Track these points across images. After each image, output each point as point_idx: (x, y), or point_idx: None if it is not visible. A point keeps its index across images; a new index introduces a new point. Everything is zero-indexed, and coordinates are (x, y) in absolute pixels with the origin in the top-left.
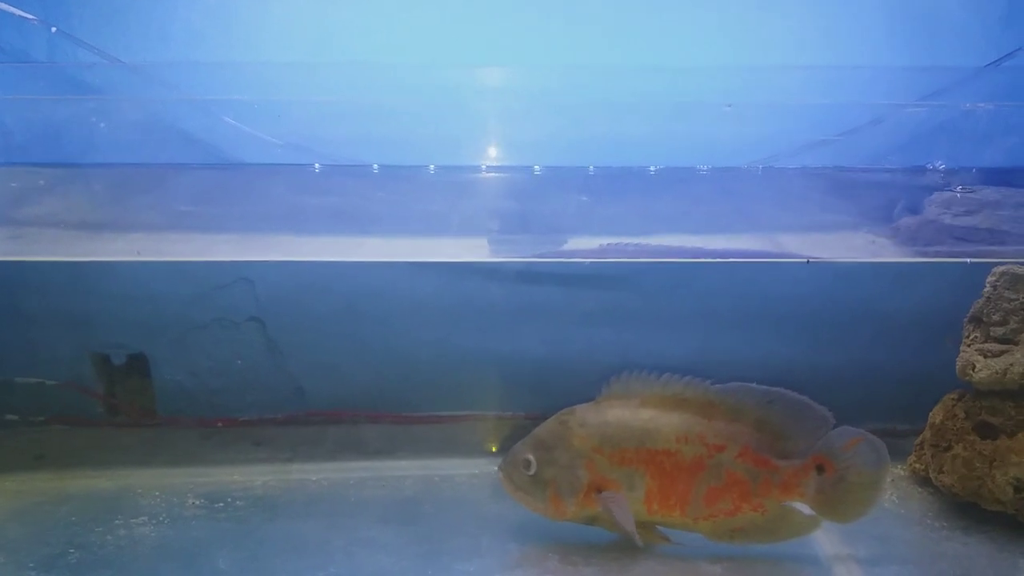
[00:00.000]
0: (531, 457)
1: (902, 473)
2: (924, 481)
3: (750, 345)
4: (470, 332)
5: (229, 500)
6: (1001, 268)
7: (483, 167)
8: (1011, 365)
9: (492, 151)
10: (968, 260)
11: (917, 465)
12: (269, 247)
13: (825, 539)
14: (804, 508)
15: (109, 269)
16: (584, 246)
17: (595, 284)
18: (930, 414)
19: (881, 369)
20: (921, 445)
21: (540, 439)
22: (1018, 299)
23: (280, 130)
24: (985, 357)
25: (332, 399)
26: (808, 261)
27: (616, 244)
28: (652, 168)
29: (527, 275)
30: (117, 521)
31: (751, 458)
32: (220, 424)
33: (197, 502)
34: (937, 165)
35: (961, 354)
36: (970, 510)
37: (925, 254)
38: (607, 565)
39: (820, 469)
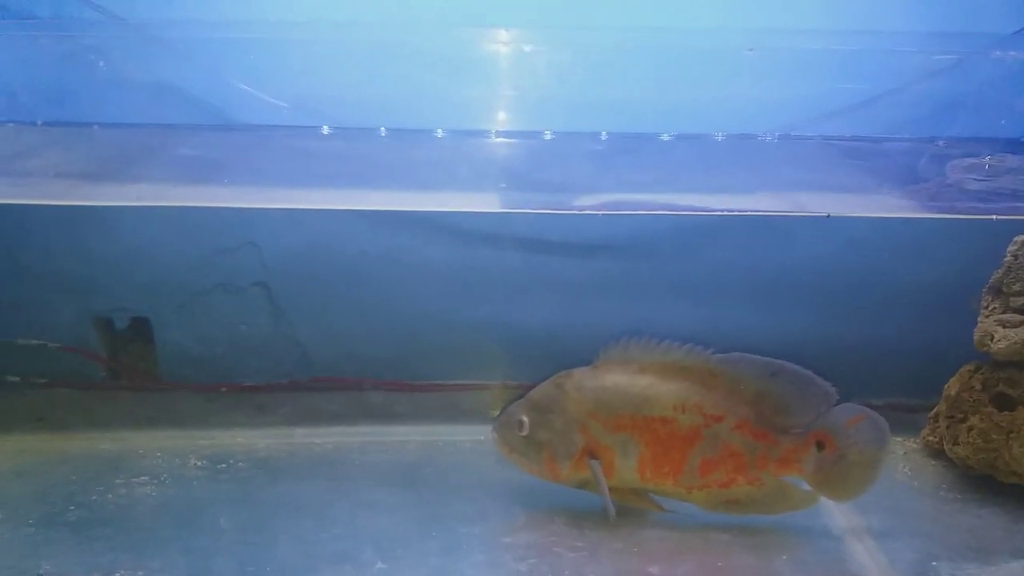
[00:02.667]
0: (525, 418)
1: (915, 446)
2: (938, 454)
3: (763, 315)
4: (478, 300)
5: (231, 462)
6: (1021, 237)
7: (492, 132)
8: None
9: (502, 115)
10: (995, 217)
11: (931, 438)
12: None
13: (837, 510)
14: (803, 483)
15: (112, 230)
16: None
17: (606, 252)
18: (945, 386)
19: (897, 340)
20: (935, 417)
21: (535, 401)
22: None
23: (285, 92)
24: (1004, 327)
25: (337, 365)
26: (828, 216)
27: (622, 201)
28: (665, 135)
29: (537, 243)
30: (118, 481)
31: (749, 431)
32: (224, 389)
33: (199, 463)
34: (960, 135)
35: (979, 324)
36: (985, 482)
37: (949, 210)
38: (614, 530)
39: (820, 446)
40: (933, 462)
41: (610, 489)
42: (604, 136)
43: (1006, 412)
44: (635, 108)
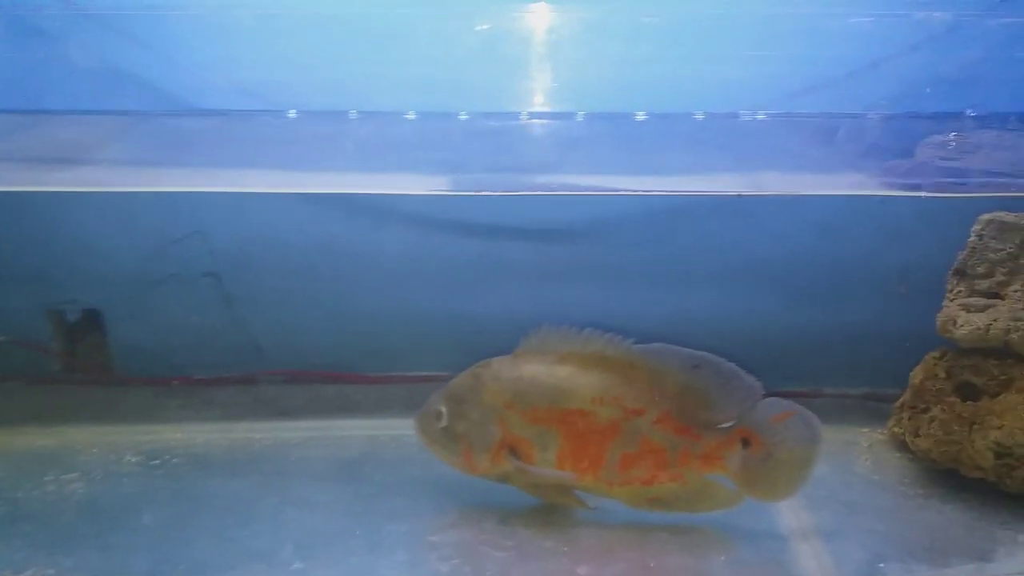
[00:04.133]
0: (443, 409)
1: (881, 438)
2: (903, 446)
3: (728, 303)
4: (433, 290)
5: (167, 458)
6: (987, 216)
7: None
8: (995, 320)
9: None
10: (923, 194)
11: (896, 429)
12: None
13: (787, 506)
14: (729, 482)
15: (63, 220)
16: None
17: (566, 239)
18: (911, 374)
19: (869, 325)
20: (902, 407)
21: (453, 391)
22: (1005, 249)
23: (241, 76)
24: (968, 312)
25: (290, 358)
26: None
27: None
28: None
29: (494, 230)
30: (48, 477)
31: (671, 425)
32: (176, 383)
33: (134, 459)
34: (947, 110)
35: (943, 309)
36: (949, 477)
37: (914, 188)
38: (547, 528)
39: (746, 443)
40: (898, 455)
41: (532, 485)
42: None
43: (969, 402)
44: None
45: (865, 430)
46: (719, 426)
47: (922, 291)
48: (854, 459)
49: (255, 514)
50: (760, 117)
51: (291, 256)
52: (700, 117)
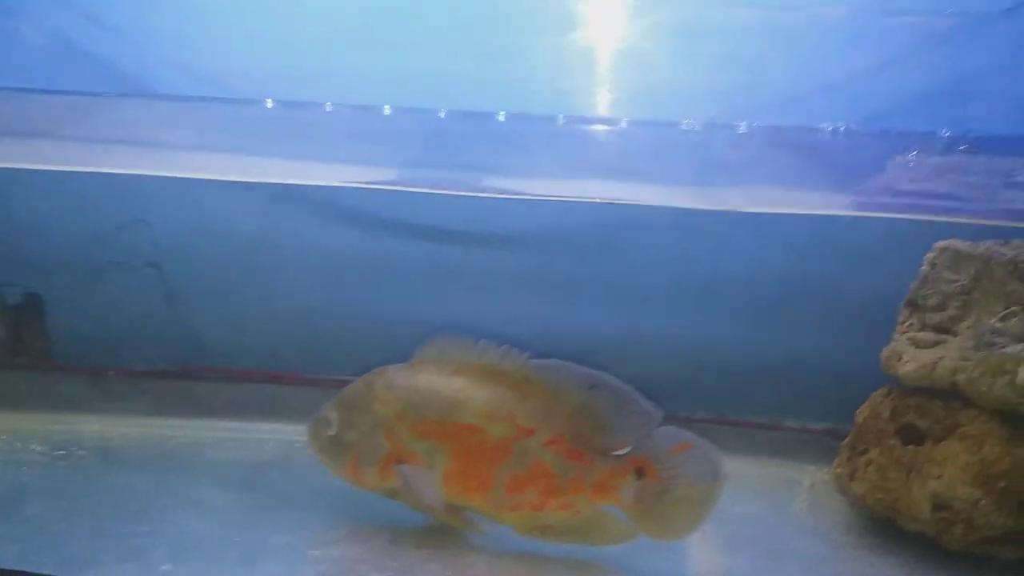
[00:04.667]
0: (333, 416)
1: (826, 478)
2: (845, 489)
3: (683, 321)
4: (381, 292)
5: (73, 449)
6: (942, 244)
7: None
8: (941, 359)
9: None
10: (909, 216)
11: (839, 470)
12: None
13: (702, 546)
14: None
15: (3, 201)
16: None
17: (519, 246)
18: (857, 411)
19: (835, 356)
20: (846, 447)
21: (345, 398)
22: (959, 280)
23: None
24: (916, 347)
25: (232, 355)
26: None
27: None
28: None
29: (445, 234)
30: None
31: (563, 448)
32: (113, 373)
33: (39, 448)
34: (942, 132)
35: (891, 342)
36: (887, 527)
37: (866, 207)
38: (438, 551)
39: (641, 473)
40: (839, 498)
41: (423, 504)
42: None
43: (911, 446)
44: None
45: (811, 468)
46: (614, 453)
47: (880, 318)
48: (791, 499)
49: (143, 513)
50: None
51: (235, 249)
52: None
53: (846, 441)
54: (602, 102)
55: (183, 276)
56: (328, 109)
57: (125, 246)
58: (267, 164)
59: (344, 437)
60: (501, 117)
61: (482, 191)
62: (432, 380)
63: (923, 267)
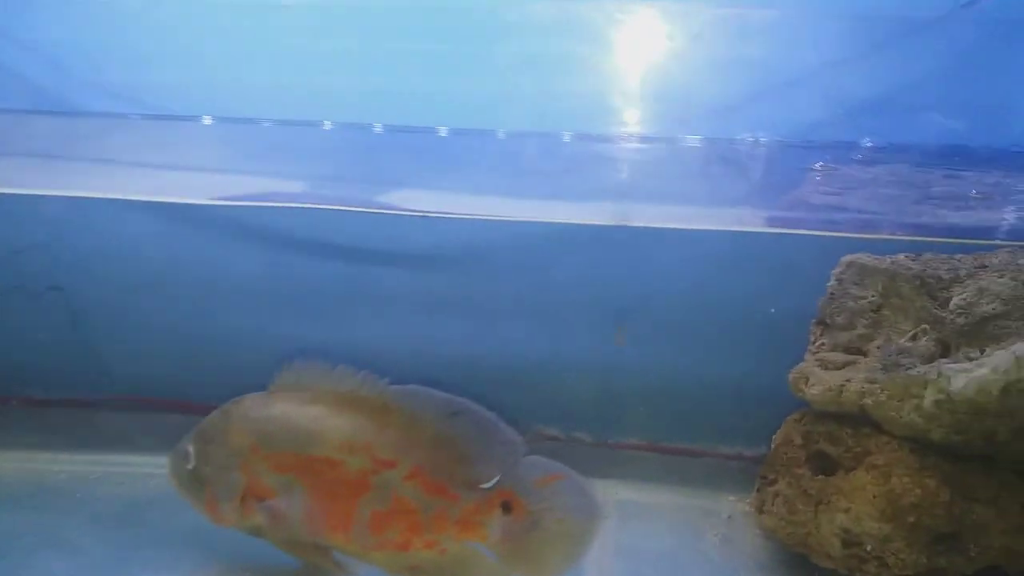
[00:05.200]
0: (190, 449)
1: (747, 509)
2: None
3: (608, 343)
4: (293, 317)
5: None
6: (848, 257)
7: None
8: (848, 381)
9: None
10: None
11: (752, 504)
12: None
13: None
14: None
15: None
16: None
17: (437, 265)
18: (772, 437)
19: (768, 379)
20: (761, 475)
21: (202, 429)
22: (866, 297)
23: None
24: (824, 369)
25: (139, 383)
26: None
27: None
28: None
29: (359, 253)
30: None
31: (424, 482)
32: (15, 402)
33: None
34: (864, 142)
35: (801, 363)
36: (801, 563)
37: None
38: None
39: (507, 508)
40: (755, 531)
41: (287, 542)
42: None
43: (820, 476)
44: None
45: (732, 498)
46: (478, 486)
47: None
48: (704, 532)
49: (2, 553)
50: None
51: (140, 272)
52: (567, 138)
53: (760, 471)
54: None
55: (88, 301)
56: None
57: (27, 269)
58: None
59: (201, 471)
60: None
61: (381, 207)
62: (287, 410)
63: (830, 283)
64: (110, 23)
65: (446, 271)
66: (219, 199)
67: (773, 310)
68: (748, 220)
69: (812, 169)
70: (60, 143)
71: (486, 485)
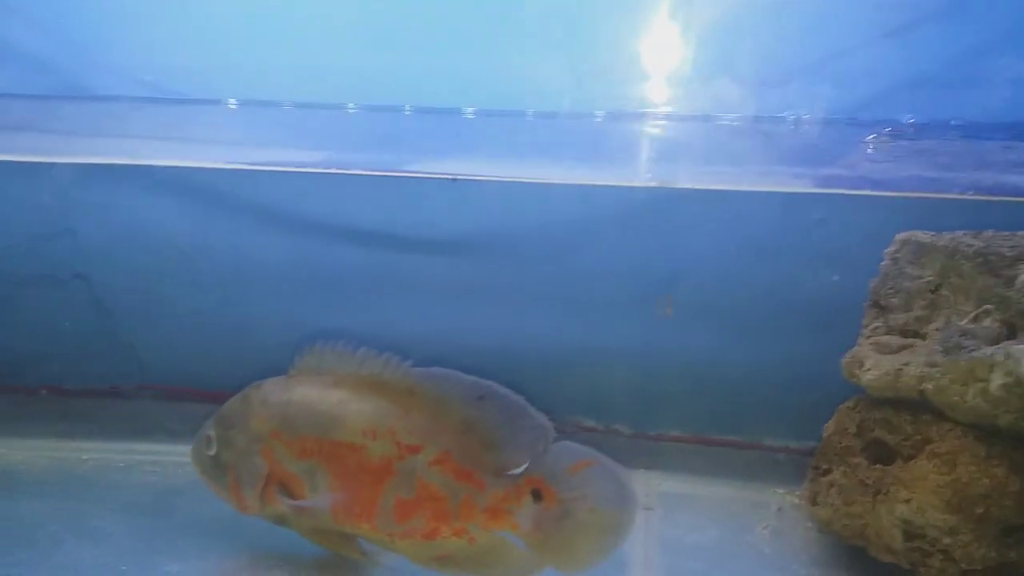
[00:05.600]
0: (212, 434)
1: (796, 501)
2: (810, 515)
3: (647, 331)
4: (320, 305)
5: None
6: (903, 236)
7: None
8: (906, 365)
9: None
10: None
11: (806, 494)
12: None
13: (640, 574)
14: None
15: None
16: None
17: (466, 252)
18: (825, 426)
19: (819, 368)
20: (813, 466)
21: (223, 414)
22: (923, 277)
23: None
24: (880, 353)
25: (170, 372)
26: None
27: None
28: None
29: (388, 239)
30: None
31: (452, 468)
32: (44, 392)
33: None
34: (907, 119)
35: (856, 347)
36: (858, 557)
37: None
38: None
39: (538, 496)
40: (807, 524)
41: (313, 531)
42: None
43: (878, 465)
44: None
45: (781, 491)
46: (507, 473)
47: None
48: (753, 525)
49: (29, 542)
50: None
51: (166, 259)
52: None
53: (813, 461)
54: None
55: (114, 289)
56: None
57: (51, 257)
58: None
59: (223, 457)
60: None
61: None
62: (309, 394)
63: (884, 262)
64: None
65: (476, 257)
66: (242, 164)
67: (836, 278)
68: (801, 182)
69: (863, 141)
70: (79, 122)
71: (515, 472)
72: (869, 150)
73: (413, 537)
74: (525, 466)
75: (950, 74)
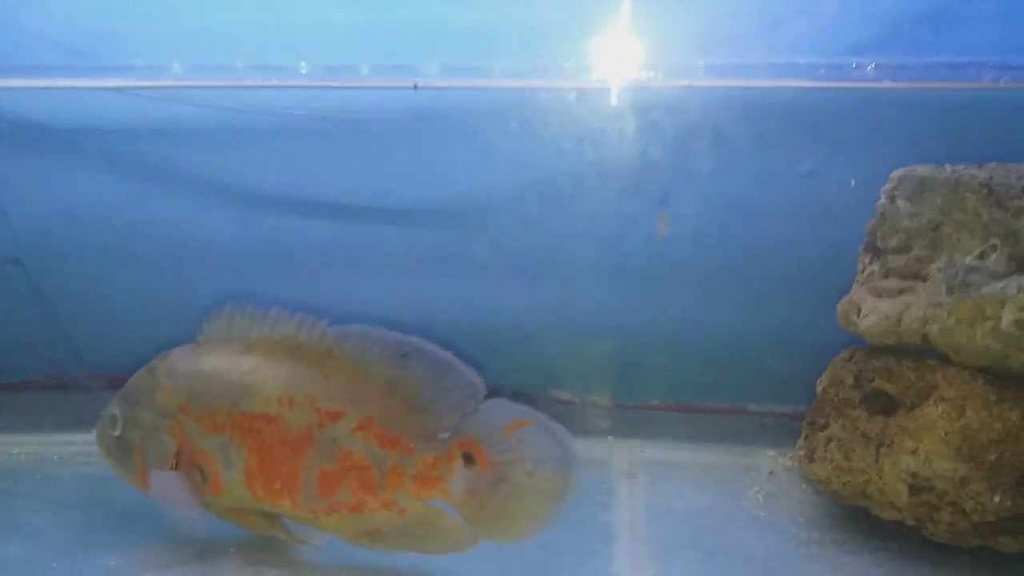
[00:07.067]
0: (116, 412)
1: (789, 464)
2: (806, 474)
3: (621, 300)
4: (277, 277)
5: None
6: (900, 172)
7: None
8: (908, 308)
9: None
10: None
11: (800, 452)
12: None
13: (625, 549)
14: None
15: None
16: None
17: (432, 223)
18: (818, 381)
19: (801, 331)
20: (808, 422)
21: (127, 390)
22: (923, 215)
23: None
24: (877, 297)
25: (108, 360)
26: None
27: None
28: None
29: (350, 210)
30: None
31: (375, 434)
32: None
33: None
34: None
35: (849, 293)
36: (858, 517)
37: None
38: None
39: (470, 460)
40: (802, 486)
41: (229, 510)
42: None
43: (879, 417)
44: None
45: (772, 453)
46: (436, 437)
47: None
48: (744, 489)
49: None
50: None
51: (104, 239)
52: None
53: (807, 417)
54: None
55: (51, 274)
56: None
57: None
58: None
59: (128, 437)
60: None
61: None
62: (218, 362)
63: (880, 201)
64: None
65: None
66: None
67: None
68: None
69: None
70: None
71: (445, 435)
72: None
73: (339, 512)
74: (456, 428)
75: None
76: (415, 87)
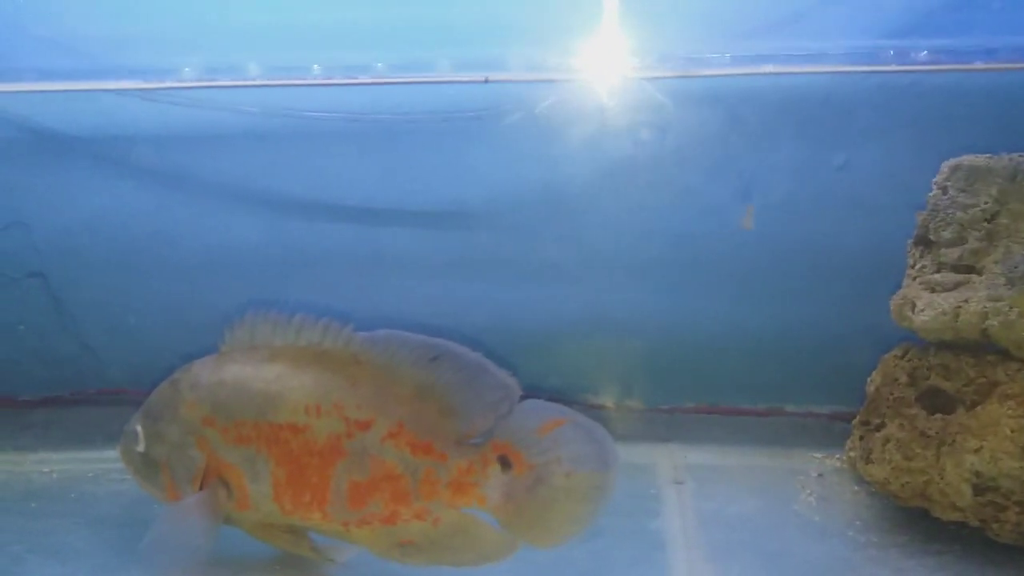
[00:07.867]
0: (139, 429)
1: (838, 465)
2: (861, 477)
3: (651, 300)
4: (304, 285)
5: None
6: (953, 162)
7: None
8: (966, 302)
9: None
10: None
11: (851, 454)
12: None
13: (680, 555)
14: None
15: None
16: None
17: (452, 225)
18: (868, 380)
19: (840, 329)
20: (858, 425)
21: (149, 406)
22: (978, 205)
23: None
24: (932, 292)
25: (133, 374)
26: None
27: None
28: None
29: (369, 214)
30: None
31: (407, 442)
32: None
33: None
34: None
35: (902, 288)
36: (917, 518)
37: None
38: None
39: (506, 464)
40: (854, 488)
41: (258, 527)
42: None
43: (938, 415)
44: None
45: (819, 455)
46: (470, 441)
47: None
48: (795, 493)
49: None
50: None
51: (128, 250)
52: None
53: (858, 417)
54: None
55: (72, 287)
56: None
57: (3, 255)
58: None
59: (153, 453)
60: None
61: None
62: (242, 372)
63: (932, 192)
64: None
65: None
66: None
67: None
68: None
69: None
70: None
71: (478, 439)
72: None
73: (371, 524)
74: (490, 431)
75: None
76: (486, 81)
